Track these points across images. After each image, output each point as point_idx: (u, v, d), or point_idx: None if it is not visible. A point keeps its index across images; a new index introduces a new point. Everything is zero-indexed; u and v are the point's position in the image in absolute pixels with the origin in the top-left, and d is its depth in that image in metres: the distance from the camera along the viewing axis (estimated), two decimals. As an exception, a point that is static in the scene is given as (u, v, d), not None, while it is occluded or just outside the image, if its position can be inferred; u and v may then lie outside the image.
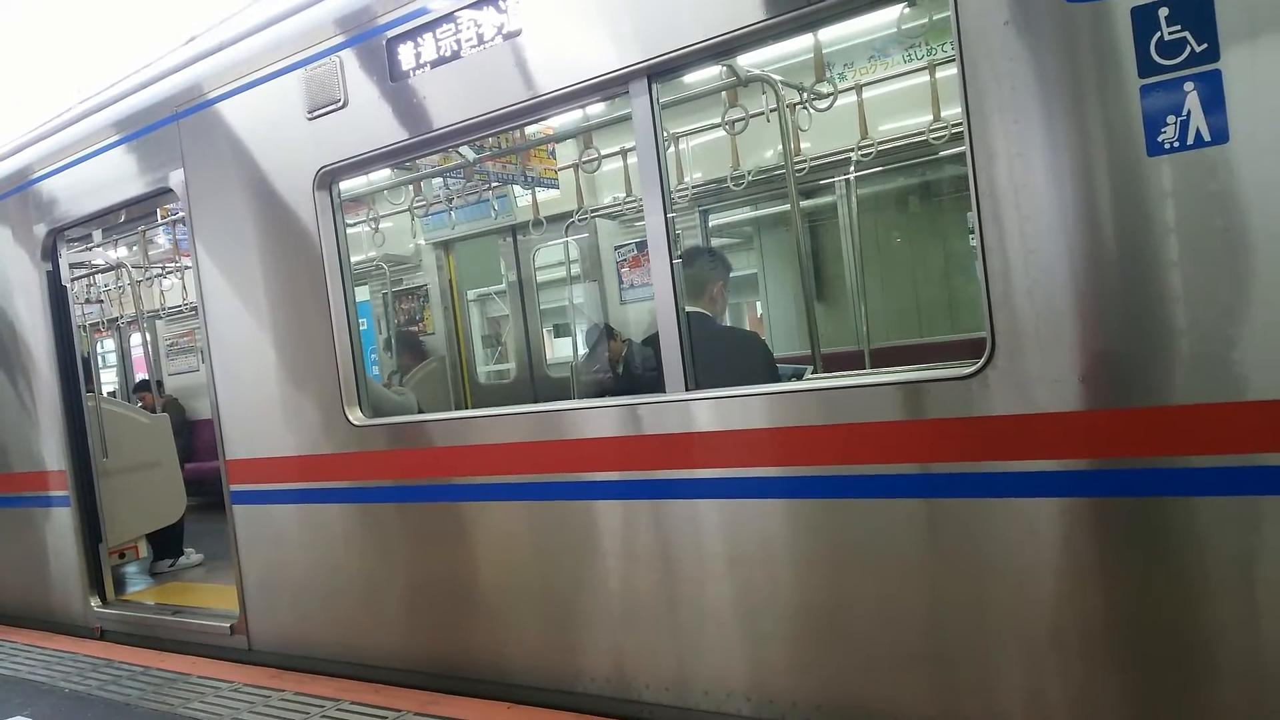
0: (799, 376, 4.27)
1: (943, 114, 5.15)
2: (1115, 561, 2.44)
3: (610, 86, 3.26)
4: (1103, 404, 2.42)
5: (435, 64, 3.63)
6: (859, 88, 5.36)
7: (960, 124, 2.60)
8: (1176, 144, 2.27)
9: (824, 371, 4.54)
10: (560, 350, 9.73)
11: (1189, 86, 2.24)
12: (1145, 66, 2.29)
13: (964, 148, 2.58)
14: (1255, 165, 2.19)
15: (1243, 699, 2.30)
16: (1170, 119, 2.27)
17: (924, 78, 5.22)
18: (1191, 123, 2.25)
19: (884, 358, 5.85)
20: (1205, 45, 2.22)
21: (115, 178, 5.03)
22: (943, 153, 5.59)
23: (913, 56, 5.73)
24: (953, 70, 2.61)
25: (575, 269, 8.04)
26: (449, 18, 3.57)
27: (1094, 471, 2.45)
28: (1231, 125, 2.21)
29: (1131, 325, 2.36)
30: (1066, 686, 2.52)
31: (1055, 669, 2.54)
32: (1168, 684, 2.39)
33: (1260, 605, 2.27)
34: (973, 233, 2.59)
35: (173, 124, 4.64)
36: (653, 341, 3.29)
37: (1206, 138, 2.23)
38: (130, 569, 6.86)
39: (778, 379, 3.90)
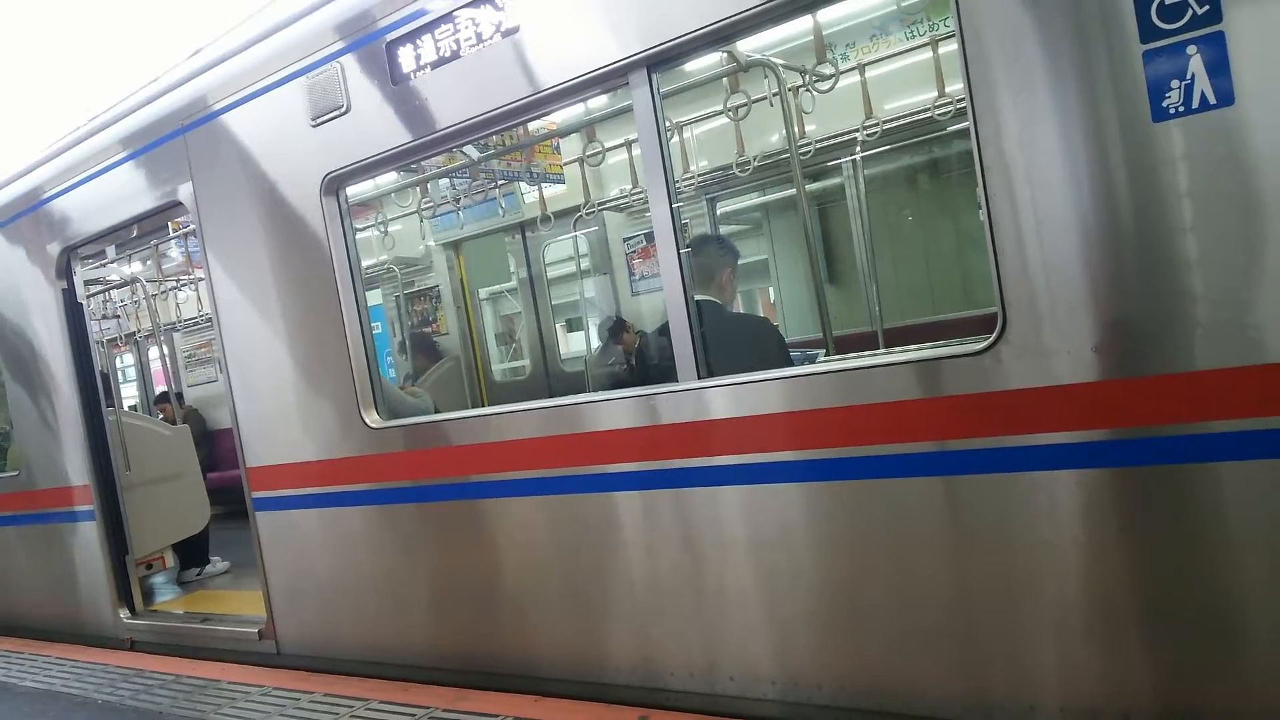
0: (812, 360, 4.26)
1: (947, 89, 5.12)
2: (1137, 530, 2.43)
3: (610, 79, 3.25)
4: (1117, 373, 2.40)
5: (435, 65, 3.64)
6: (861, 67, 5.34)
7: (964, 99, 2.58)
8: (1181, 108, 2.25)
9: (837, 354, 4.53)
10: (574, 345, 9.74)
11: (1192, 50, 2.22)
12: (1147, 31, 2.27)
13: (968, 122, 2.56)
14: (1262, 126, 2.17)
15: (1270, 663, 2.29)
16: (1174, 83, 2.25)
17: (927, 54, 5.19)
18: (1196, 86, 2.22)
19: (897, 337, 5.83)
20: (1207, 7, 2.19)
21: (125, 193, 5.06)
22: (949, 128, 5.56)
23: (915, 33, 5.69)
24: (954, 46, 2.59)
25: (585, 263, 8.06)
26: (447, 18, 3.58)
27: (1112, 442, 2.43)
28: (1236, 87, 2.18)
29: (1142, 293, 2.35)
30: (1091, 658, 2.51)
31: (1079, 641, 2.53)
32: (1194, 652, 2.38)
33: (1285, 569, 2.25)
34: (980, 207, 2.57)
35: (180, 137, 4.67)
36: (665, 332, 3.29)
37: (1211, 101, 2.21)
38: (158, 579, 6.94)
39: (790, 363, 3.89)
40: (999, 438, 2.58)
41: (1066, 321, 2.44)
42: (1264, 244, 2.20)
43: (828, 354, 4.56)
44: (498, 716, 3.46)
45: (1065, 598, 2.54)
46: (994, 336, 2.55)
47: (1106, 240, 2.38)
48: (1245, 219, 2.21)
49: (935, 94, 5.19)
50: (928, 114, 5.38)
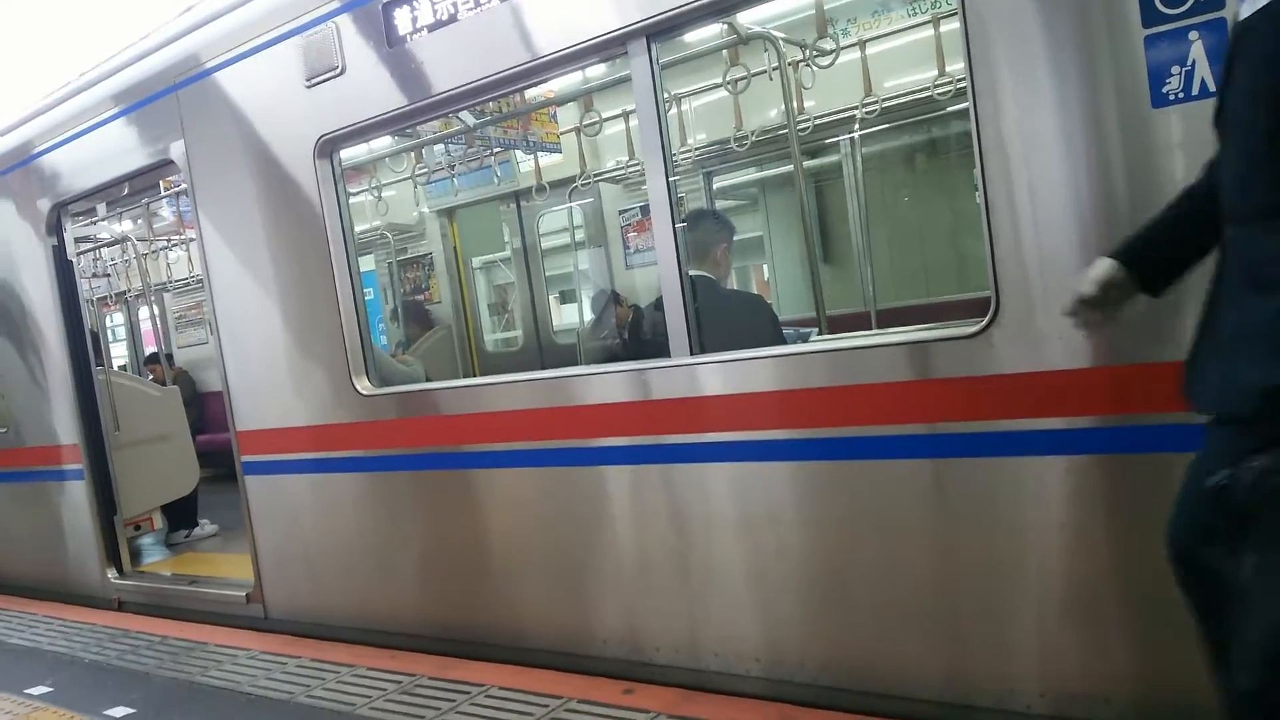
0: (804, 339, 4.26)
1: (948, 69, 5.08)
2: (1124, 517, 2.44)
3: (608, 47, 3.22)
4: (1110, 360, 2.40)
5: (432, 28, 3.59)
6: (862, 44, 5.30)
7: (965, 78, 2.56)
8: (1181, 95, 2.23)
9: (830, 334, 4.53)
10: (567, 317, 9.73)
11: (1193, 36, 2.21)
12: (1149, 16, 2.25)
13: (968, 103, 2.54)
14: (1263, 115, 2.16)
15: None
16: (1175, 69, 2.23)
17: (928, 32, 5.15)
18: (1196, 73, 2.21)
19: (891, 318, 5.83)
20: (1211, -8, 2.17)
21: (116, 150, 5.01)
22: (948, 108, 5.53)
23: (916, 10, 5.64)
24: (957, 24, 2.57)
25: (580, 234, 8.02)
26: (445, -19, 3.53)
27: (1101, 428, 2.44)
28: (1239, 75, 2.17)
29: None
30: (1074, 643, 2.54)
31: (1064, 626, 2.55)
32: (1178, 639, 2.40)
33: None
34: (977, 189, 2.56)
35: (172, 95, 4.61)
36: (659, 306, 3.28)
37: (1212, 88, 2.19)
38: (146, 540, 6.93)
39: (783, 341, 3.89)
40: (989, 421, 2.59)
41: (1060, 306, 2.44)
42: (1259, 234, 2.19)
43: (820, 333, 4.55)
44: (484, 685, 3.49)
45: (1051, 582, 2.56)
46: (987, 319, 2.55)
47: (1102, 226, 2.38)
48: (1242, 208, 2.20)
49: (935, 73, 5.15)
50: (927, 93, 5.34)
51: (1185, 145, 2.25)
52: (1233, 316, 1.68)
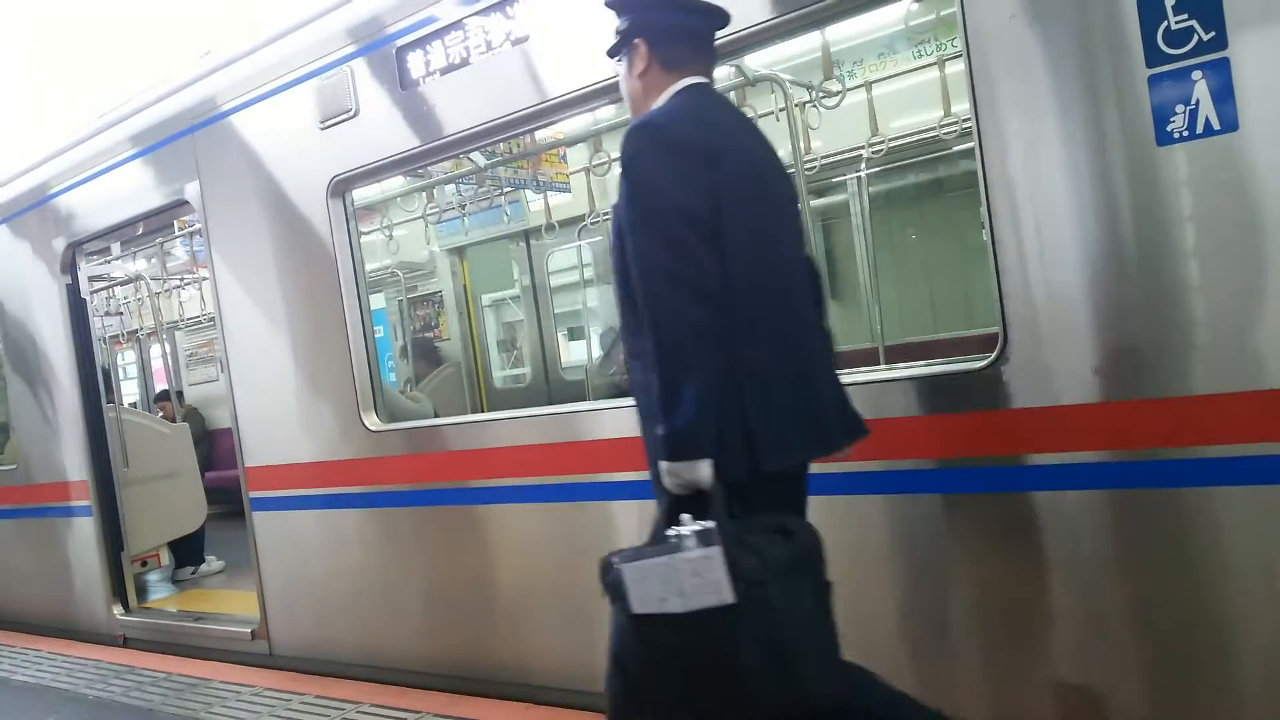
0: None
1: (953, 109, 5.14)
2: (1135, 553, 2.43)
3: (616, 90, 3.26)
4: (1117, 395, 2.41)
5: (445, 71, 3.66)
6: (868, 85, 5.36)
7: (970, 119, 2.60)
8: (1186, 133, 2.26)
9: (838, 369, 4.53)
10: (575, 354, 9.74)
11: (1197, 75, 2.24)
12: (1153, 56, 2.29)
13: (973, 142, 2.57)
14: (1265, 153, 2.18)
15: (1264, 684, 2.28)
16: (1179, 108, 2.26)
17: (934, 74, 5.21)
18: (1200, 111, 2.24)
19: (899, 354, 5.83)
20: (1213, 33, 2.21)
21: (132, 191, 5.08)
22: (954, 148, 5.58)
23: (922, 53, 5.71)
24: (962, 65, 2.61)
25: (589, 272, 8.06)
26: (457, 25, 3.60)
27: (1111, 464, 2.44)
28: (1241, 113, 2.20)
29: (1144, 316, 2.36)
30: (1089, 677, 2.51)
31: (1078, 660, 2.53)
32: (1187, 672, 2.38)
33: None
34: (984, 227, 2.58)
35: (188, 137, 4.69)
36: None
37: (1216, 126, 2.22)
38: (152, 577, 6.93)
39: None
40: (998, 456, 2.58)
41: (1067, 342, 2.45)
42: (1265, 270, 2.21)
43: (829, 369, 4.55)
44: (489, 723, 3.46)
45: (1060, 617, 2.54)
46: (994, 355, 2.56)
47: (1109, 262, 2.39)
48: (1247, 245, 2.22)
49: (941, 113, 5.21)
50: (933, 133, 5.39)
51: (1190, 183, 2.28)
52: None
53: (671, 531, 1.99)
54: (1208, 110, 2.24)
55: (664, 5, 2.35)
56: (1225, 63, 2.20)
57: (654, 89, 2.36)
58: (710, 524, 1.95)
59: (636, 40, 2.36)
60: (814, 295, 2.45)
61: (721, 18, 2.44)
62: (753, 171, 2.27)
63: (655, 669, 2.07)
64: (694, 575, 1.92)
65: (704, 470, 2.03)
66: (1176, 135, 2.27)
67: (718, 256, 2.08)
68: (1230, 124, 2.21)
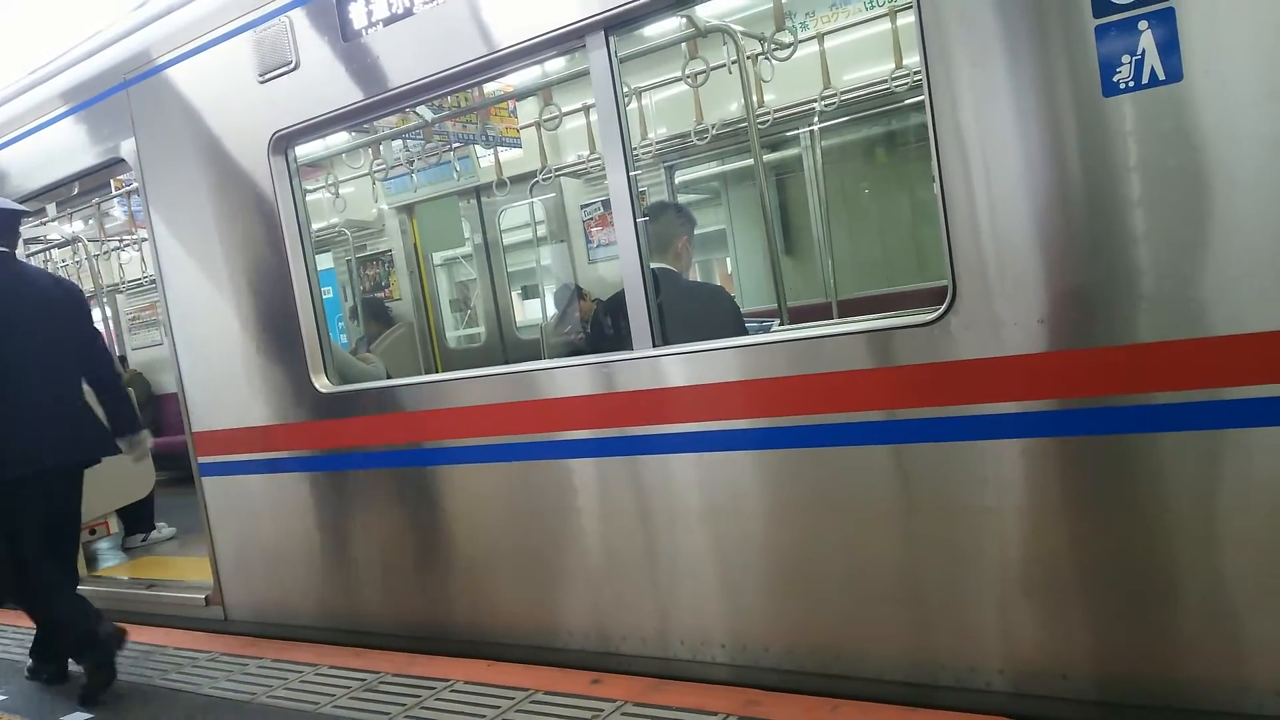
0: (766, 330, 4.28)
1: (905, 61, 5.14)
2: (1080, 499, 2.49)
3: (566, 40, 3.21)
4: (1063, 345, 2.44)
5: (388, 21, 3.56)
6: (820, 37, 5.33)
7: (920, 71, 2.59)
8: (1131, 84, 2.27)
9: (791, 324, 4.56)
10: (530, 312, 9.69)
11: (1143, 25, 2.25)
12: (1099, 6, 2.29)
13: (924, 95, 2.57)
14: (1208, 103, 2.21)
15: (1201, 626, 2.36)
16: (1125, 59, 2.27)
17: (886, 25, 5.20)
18: (1146, 62, 2.25)
19: (852, 309, 5.88)
20: (1159, -17, 2.22)
21: (66, 149, 4.91)
22: (906, 101, 5.59)
23: (873, 4, 5.69)
24: (913, 18, 2.59)
25: (542, 230, 7.99)
26: (400, -27, 3.50)
27: (1057, 412, 2.48)
28: (1185, 64, 2.21)
29: (1089, 266, 2.39)
30: (1032, 621, 2.58)
31: (1023, 606, 2.59)
32: (1131, 616, 2.45)
33: (1220, 535, 2.32)
34: (934, 180, 2.59)
35: (122, 92, 4.52)
36: (621, 299, 3.28)
37: (1161, 77, 2.24)
38: (102, 545, 6.82)
39: (745, 332, 3.91)
40: (947, 407, 2.62)
41: (1014, 293, 2.48)
42: (1207, 219, 2.24)
43: (782, 324, 4.58)
44: (449, 680, 3.47)
45: (1009, 563, 2.60)
46: (944, 308, 2.58)
47: (1055, 213, 2.42)
48: (1190, 194, 2.25)
49: (893, 66, 5.20)
50: (885, 86, 5.39)
51: (1136, 133, 2.29)
52: None
53: None
54: (1153, 61, 2.25)
55: None
56: (1170, 13, 2.21)
57: None
58: None
59: None
60: (69, 373, 4.10)
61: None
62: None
63: None
64: None
65: None
66: (1122, 86, 2.29)
67: None
68: (1175, 75, 2.23)
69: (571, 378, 3.37)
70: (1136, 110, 2.28)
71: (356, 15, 3.63)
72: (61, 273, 9.81)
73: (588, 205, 7.55)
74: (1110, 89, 2.30)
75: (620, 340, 3.41)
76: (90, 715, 3.69)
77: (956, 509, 2.65)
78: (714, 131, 5.86)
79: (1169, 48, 2.23)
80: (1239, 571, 2.31)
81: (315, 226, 5.69)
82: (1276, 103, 2.14)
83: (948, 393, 2.61)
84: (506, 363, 7.21)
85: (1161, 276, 2.30)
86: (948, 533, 2.67)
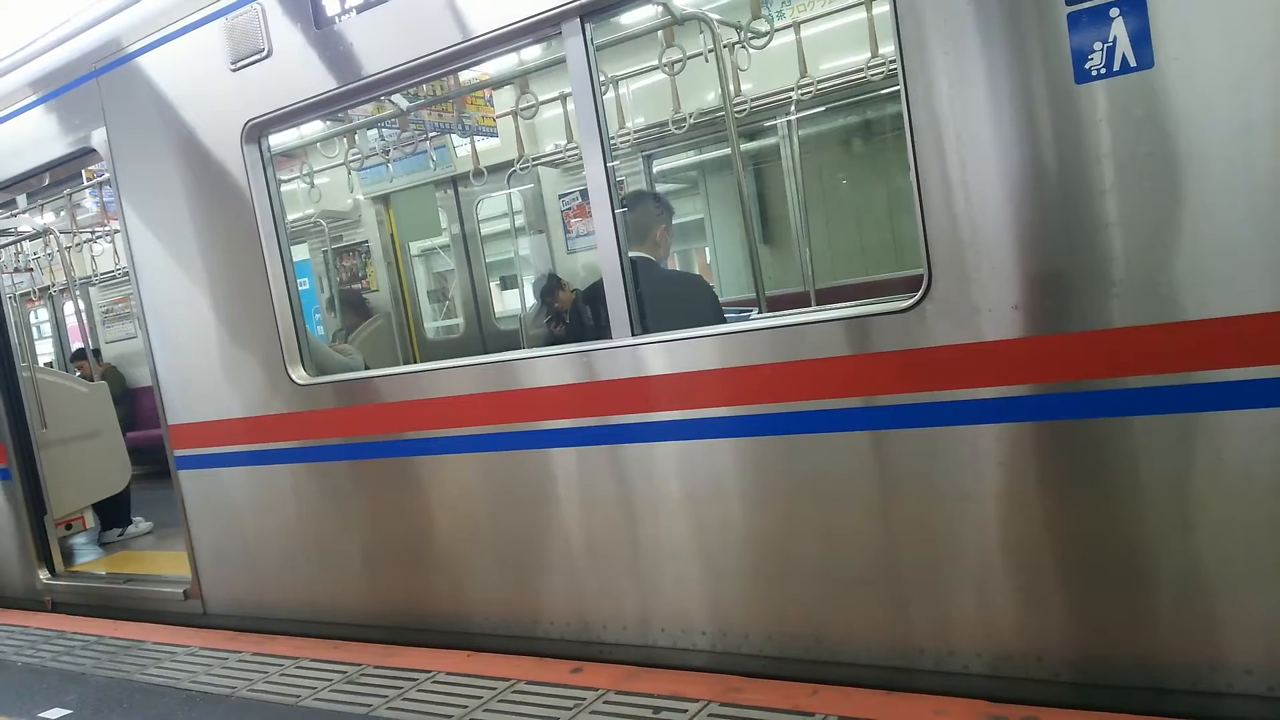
0: (744, 318, 4.29)
1: (880, 50, 5.15)
2: (1054, 483, 2.51)
3: (542, 28, 3.19)
4: (1038, 330, 2.47)
5: (361, 8, 3.53)
6: (796, 25, 5.34)
7: (896, 59, 2.60)
8: (1103, 71, 2.29)
9: (769, 313, 4.56)
10: (508, 303, 9.67)
11: (1114, 13, 2.26)
12: (1072, -7, 2.31)
13: (899, 83, 2.58)
14: (1179, 90, 2.23)
15: (1177, 605, 2.40)
16: (1097, 46, 2.29)
17: (861, 14, 5.21)
18: (1117, 49, 2.27)
19: (830, 297, 5.90)
20: (1130, -29, 2.23)
21: (35, 139, 4.84)
22: (882, 90, 5.60)
23: (850, -8, 5.69)
24: (888, 6, 2.60)
25: (520, 220, 7.96)
26: (374, -40, 3.46)
27: (1031, 397, 2.50)
28: (1156, 51, 2.23)
29: (1062, 252, 2.41)
30: (1008, 605, 2.61)
31: (1002, 589, 2.62)
32: (1105, 597, 2.48)
33: (1192, 517, 2.36)
34: (910, 168, 2.60)
35: (93, 81, 4.46)
36: (600, 289, 3.28)
37: (1132, 64, 2.26)
38: (78, 540, 6.74)
39: (723, 320, 3.91)
40: (924, 393, 2.64)
41: (989, 280, 2.50)
42: (1178, 205, 2.27)
43: (760, 313, 4.59)
44: (431, 672, 3.47)
45: (985, 548, 2.62)
46: (919, 295, 2.60)
47: (1029, 200, 2.43)
48: (1161, 180, 2.27)
49: (869, 54, 5.21)
50: (861, 75, 5.40)
51: (1109, 119, 2.31)
52: None
53: None
54: (1124, 48, 2.27)
55: None
56: (1142, 1, 2.23)
57: None
58: None
59: None
60: None
61: None
62: None
63: None
64: None
65: None
66: (1094, 73, 2.31)
67: None
68: (1146, 62, 2.25)
69: (551, 367, 3.37)
70: (1109, 97, 2.30)
71: (329, 2, 3.59)
72: (33, 265, 9.70)
73: (566, 195, 7.53)
74: (1083, 76, 2.32)
75: (600, 329, 3.40)
76: (68, 712, 3.66)
77: (934, 494, 2.67)
78: (691, 121, 5.85)
79: (1140, 35, 2.25)
80: (1210, 553, 2.35)
81: (291, 217, 5.64)
82: (1246, 89, 2.17)
83: (924, 379, 2.63)
84: (485, 353, 7.19)
85: (1134, 262, 2.33)
86: (925, 518, 2.69)
